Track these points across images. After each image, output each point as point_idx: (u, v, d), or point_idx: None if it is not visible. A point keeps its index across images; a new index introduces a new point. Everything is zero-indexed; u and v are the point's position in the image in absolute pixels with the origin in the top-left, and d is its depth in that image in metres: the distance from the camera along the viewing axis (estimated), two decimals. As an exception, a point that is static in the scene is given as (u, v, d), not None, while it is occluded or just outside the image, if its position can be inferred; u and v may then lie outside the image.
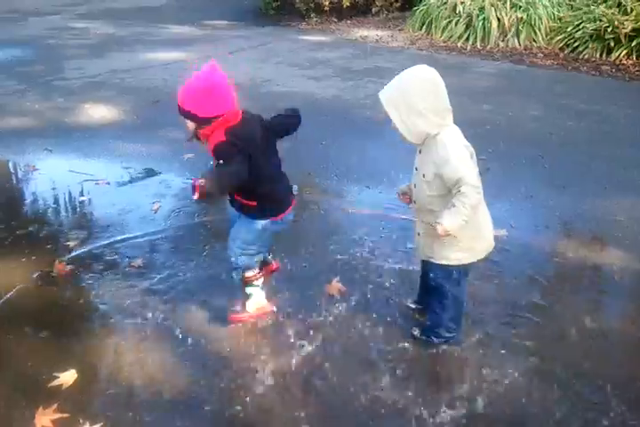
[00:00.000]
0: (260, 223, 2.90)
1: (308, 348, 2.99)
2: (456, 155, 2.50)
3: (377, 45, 9.62)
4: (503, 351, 2.97)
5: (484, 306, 3.30)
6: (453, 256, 2.73)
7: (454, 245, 2.69)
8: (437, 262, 2.79)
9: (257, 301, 3.15)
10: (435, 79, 2.55)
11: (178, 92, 2.69)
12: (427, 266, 2.92)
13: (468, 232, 2.63)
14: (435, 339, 2.98)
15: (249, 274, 3.08)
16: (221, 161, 2.66)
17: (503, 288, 3.46)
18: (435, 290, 2.91)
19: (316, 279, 3.52)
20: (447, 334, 2.96)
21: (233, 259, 3.02)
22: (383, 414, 2.61)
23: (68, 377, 2.77)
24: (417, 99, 2.50)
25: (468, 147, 2.62)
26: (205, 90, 2.65)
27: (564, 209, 4.36)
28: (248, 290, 3.12)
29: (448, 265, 2.77)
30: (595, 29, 8.48)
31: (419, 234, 2.85)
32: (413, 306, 3.27)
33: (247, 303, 3.14)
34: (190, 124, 2.74)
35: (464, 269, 2.83)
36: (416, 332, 3.06)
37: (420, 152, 2.66)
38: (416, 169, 2.71)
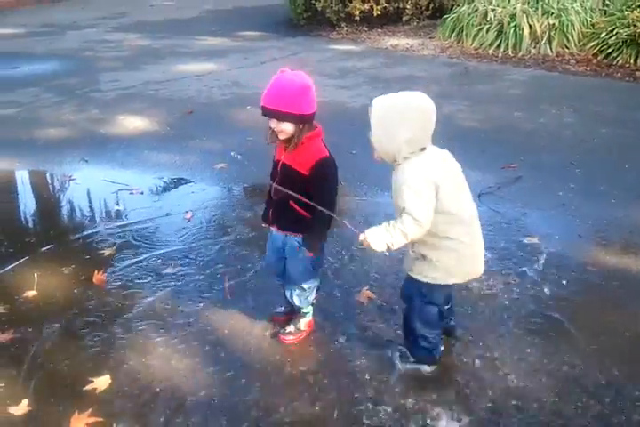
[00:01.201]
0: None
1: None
2: (411, 186, 2.45)
3: (407, 54, 9.64)
4: (531, 358, 2.95)
5: (516, 313, 3.28)
6: (430, 274, 2.67)
7: (432, 264, 2.64)
8: (413, 276, 2.74)
9: (310, 318, 3.19)
10: (426, 112, 2.48)
11: (268, 100, 2.64)
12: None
13: (448, 254, 2.61)
14: (413, 363, 2.94)
15: (313, 296, 3.11)
16: (320, 180, 2.71)
17: (532, 297, 3.44)
18: (406, 305, 2.88)
19: (346, 287, 3.55)
20: (420, 354, 2.91)
21: (300, 302, 3.06)
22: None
23: (102, 382, 2.84)
24: (397, 129, 2.46)
25: (442, 177, 2.50)
26: (304, 88, 2.63)
27: (596, 217, 4.32)
28: (306, 309, 3.14)
29: (420, 281, 2.71)
30: (629, 35, 8.37)
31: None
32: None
33: (302, 322, 3.16)
34: (289, 128, 2.66)
35: (437, 290, 2.74)
36: (396, 354, 3.02)
37: (394, 172, 2.62)
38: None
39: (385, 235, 2.49)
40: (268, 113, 2.66)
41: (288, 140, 2.71)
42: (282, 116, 2.64)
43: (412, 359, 2.95)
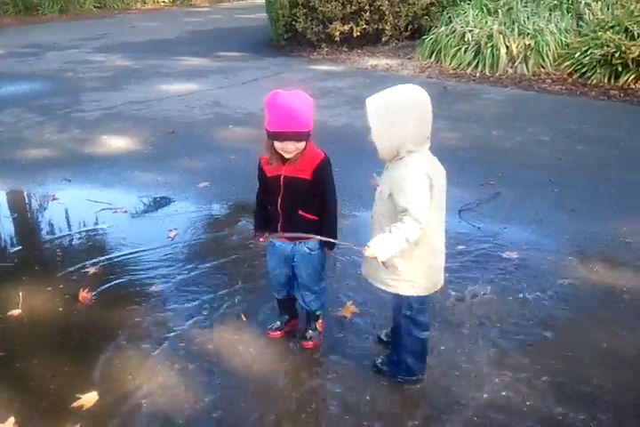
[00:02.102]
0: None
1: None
2: (412, 182, 2.44)
3: (387, 74, 9.79)
4: (511, 373, 3.00)
5: (492, 328, 3.34)
6: (391, 283, 2.67)
7: (392, 273, 2.62)
8: (377, 286, 2.74)
9: (321, 319, 3.30)
10: (427, 105, 2.48)
11: (292, 125, 2.65)
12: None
13: (409, 264, 2.59)
14: (398, 374, 2.92)
15: (324, 296, 3.23)
16: (325, 179, 2.85)
17: (513, 310, 3.50)
18: (394, 324, 2.87)
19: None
20: (405, 374, 2.91)
21: (315, 306, 3.16)
22: None
23: (89, 398, 2.85)
24: (402, 121, 2.44)
25: (435, 176, 2.52)
26: (312, 104, 2.75)
27: (573, 232, 4.41)
28: (320, 311, 3.24)
29: (390, 292, 2.70)
30: (602, 55, 8.58)
31: None
32: (385, 338, 3.18)
33: (317, 324, 3.26)
34: (303, 145, 2.75)
35: (415, 301, 2.72)
36: (379, 360, 3.02)
37: (386, 169, 2.61)
38: (377, 186, 2.68)
39: (389, 244, 2.45)
40: (290, 136, 2.68)
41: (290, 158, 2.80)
42: (303, 137, 2.72)
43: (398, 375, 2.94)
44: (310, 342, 3.22)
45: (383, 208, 2.58)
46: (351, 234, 4.34)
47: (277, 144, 2.73)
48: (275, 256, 3.07)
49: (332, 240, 2.74)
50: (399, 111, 2.44)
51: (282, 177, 2.84)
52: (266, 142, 2.80)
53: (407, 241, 2.45)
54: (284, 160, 2.80)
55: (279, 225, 2.95)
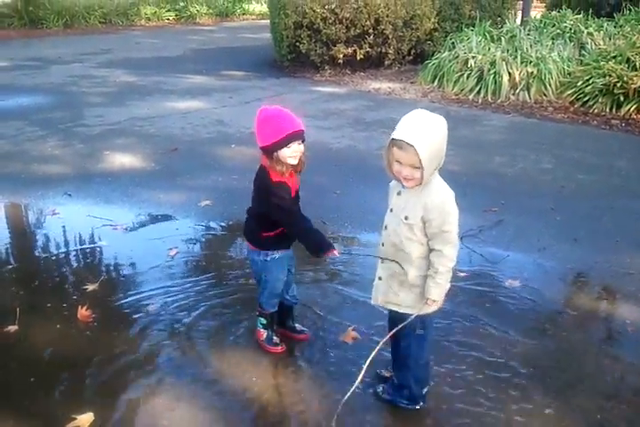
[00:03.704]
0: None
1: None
2: (452, 204, 2.49)
3: (390, 97, 9.84)
4: (514, 405, 2.97)
5: (495, 356, 3.31)
6: (414, 304, 2.63)
7: (421, 293, 2.60)
8: (401, 311, 2.66)
9: None
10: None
11: (297, 122, 2.87)
12: (390, 317, 2.81)
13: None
14: (400, 401, 2.89)
15: None
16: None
17: (515, 339, 3.47)
18: (397, 345, 2.80)
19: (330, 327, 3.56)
20: (407, 402, 2.87)
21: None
22: None
23: (85, 420, 2.79)
24: (443, 148, 2.45)
25: None
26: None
27: (576, 262, 4.40)
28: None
29: (411, 314, 2.62)
30: (604, 84, 8.65)
31: (380, 278, 2.73)
32: (387, 374, 3.05)
33: None
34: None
35: (427, 321, 2.71)
36: (380, 389, 2.97)
37: (398, 194, 2.59)
38: (391, 210, 2.63)
39: (444, 285, 2.52)
40: (301, 135, 2.88)
41: (296, 164, 2.93)
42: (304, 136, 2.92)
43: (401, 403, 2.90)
44: (304, 335, 3.41)
45: (413, 234, 2.54)
46: (349, 257, 4.34)
47: (286, 151, 2.83)
48: (282, 266, 3.14)
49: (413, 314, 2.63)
50: (442, 145, 2.44)
51: (295, 189, 3.01)
52: (275, 163, 2.86)
53: (451, 272, 2.53)
54: (293, 169, 2.96)
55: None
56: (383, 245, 2.69)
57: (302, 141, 2.88)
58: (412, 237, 2.54)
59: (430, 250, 2.54)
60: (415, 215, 2.50)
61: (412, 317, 2.58)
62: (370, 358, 2.53)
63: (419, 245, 2.55)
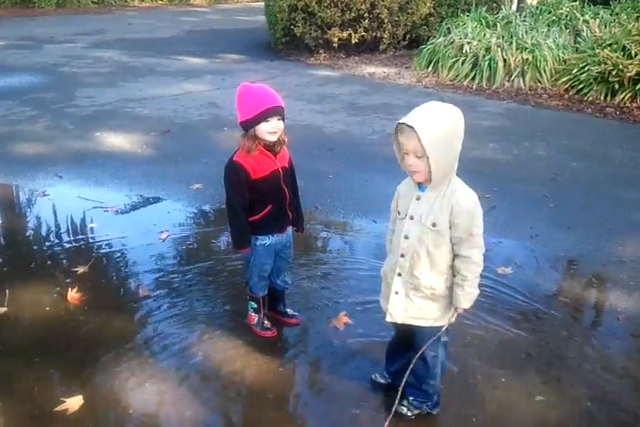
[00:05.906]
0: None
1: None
2: (480, 208, 2.35)
3: (384, 82, 9.77)
4: (505, 390, 2.97)
5: (488, 345, 3.31)
6: (446, 316, 2.50)
7: (448, 304, 2.48)
8: (426, 325, 2.50)
9: None
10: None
11: (276, 98, 2.86)
12: (406, 330, 2.60)
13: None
14: (426, 410, 2.74)
15: None
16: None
17: (505, 327, 3.47)
18: (422, 357, 2.57)
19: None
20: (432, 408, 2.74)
21: (290, 280, 3.39)
22: None
23: (74, 403, 2.77)
24: (457, 142, 2.32)
25: None
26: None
27: (568, 249, 4.40)
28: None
29: (437, 327, 2.49)
30: (599, 72, 8.61)
31: (397, 293, 2.51)
32: (383, 380, 2.93)
33: None
34: (282, 125, 2.90)
35: (446, 330, 2.56)
36: (403, 409, 2.72)
37: (417, 199, 2.40)
38: (411, 218, 2.41)
39: (474, 293, 2.42)
40: (279, 111, 2.84)
41: (273, 144, 2.89)
42: (283, 115, 2.88)
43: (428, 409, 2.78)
44: (295, 319, 3.39)
45: (428, 239, 2.38)
46: (341, 242, 4.33)
47: (265, 126, 2.80)
48: (269, 253, 3.09)
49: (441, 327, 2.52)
50: (455, 138, 2.32)
51: (280, 169, 2.94)
52: (247, 139, 2.86)
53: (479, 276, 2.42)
54: (273, 153, 2.90)
55: (288, 224, 3.11)
56: (403, 256, 2.46)
57: (282, 119, 2.85)
58: (440, 244, 2.38)
59: (455, 256, 2.40)
60: (444, 221, 2.34)
61: (444, 329, 2.48)
62: (402, 384, 2.56)
63: (447, 253, 2.40)
